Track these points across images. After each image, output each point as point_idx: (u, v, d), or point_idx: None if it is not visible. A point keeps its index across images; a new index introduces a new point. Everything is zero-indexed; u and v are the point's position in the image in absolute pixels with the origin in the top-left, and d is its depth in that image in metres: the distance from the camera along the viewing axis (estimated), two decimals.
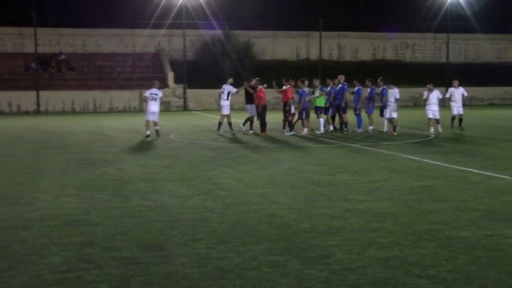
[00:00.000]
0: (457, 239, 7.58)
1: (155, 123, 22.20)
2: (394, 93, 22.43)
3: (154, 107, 22.06)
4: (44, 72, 46.01)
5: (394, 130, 22.15)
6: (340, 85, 23.66)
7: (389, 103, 22.52)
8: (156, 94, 22.16)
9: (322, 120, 23.43)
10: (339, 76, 24.11)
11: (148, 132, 21.86)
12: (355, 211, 9.21)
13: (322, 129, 23.29)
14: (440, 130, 23.03)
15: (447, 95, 25.38)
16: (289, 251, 7.09)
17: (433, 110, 23.05)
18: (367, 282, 6.02)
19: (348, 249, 7.14)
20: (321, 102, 23.21)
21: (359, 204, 9.76)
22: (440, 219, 8.65)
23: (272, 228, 8.20)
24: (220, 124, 23.08)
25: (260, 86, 22.87)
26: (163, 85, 46.46)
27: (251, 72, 44.08)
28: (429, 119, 23.07)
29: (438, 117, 23.09)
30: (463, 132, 23.80)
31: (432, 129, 22.80)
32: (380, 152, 17.10)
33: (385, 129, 23.32)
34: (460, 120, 24.86)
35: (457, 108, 24.94)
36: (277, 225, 8.36)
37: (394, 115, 22.42)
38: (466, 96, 25.50)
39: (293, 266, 6.54)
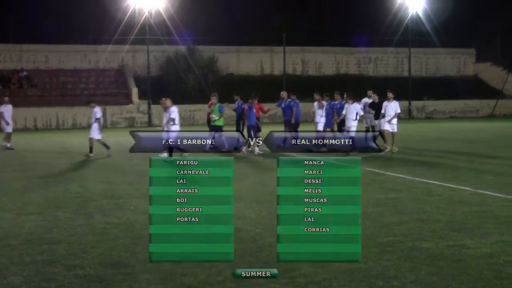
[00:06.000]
0: (420, 250, 7.67)
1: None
2: (356, 108, 21.01)
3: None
4: (5, 89, 45.27)
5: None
6: (286, 101, 23.11)
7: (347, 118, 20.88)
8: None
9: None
10: (281, 92, 23.65)
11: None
12: None
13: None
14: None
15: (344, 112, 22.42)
16: (254, 265, 7.08)
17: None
18: None
19: (312, 263, 7.16)
20: (220, 121, 22.03)
21: None
22: (404, 231, 8.75)
23: (237, 243, 8.13)
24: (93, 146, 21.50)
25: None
26: (127, 101, 46.25)
27: (216, 87, 44.19)
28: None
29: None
30: (424, 145, 24.15)
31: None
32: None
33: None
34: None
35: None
36: (242, 240, 8.35)
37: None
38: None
39: (257, 280, 6.53)
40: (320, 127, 22.37)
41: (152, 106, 45.40)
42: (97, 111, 21.25)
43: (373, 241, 8.16)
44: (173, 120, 19.23)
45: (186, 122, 44.89)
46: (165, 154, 19.44)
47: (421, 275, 6.64)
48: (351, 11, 62.22)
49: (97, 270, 7.00)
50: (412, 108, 51.23)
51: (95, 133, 20.97)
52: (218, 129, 22.09)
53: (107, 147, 21.11)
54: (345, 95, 21.71)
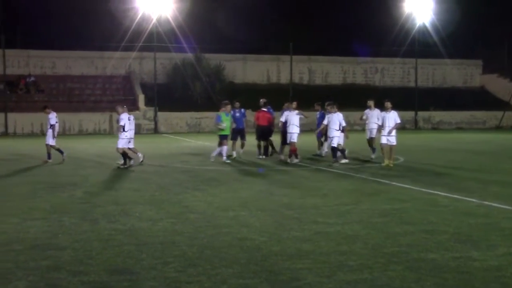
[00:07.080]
0: (426, 262, 7.63)
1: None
2: (339, 118, 20.11)
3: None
4: (13, 94, 45.50)
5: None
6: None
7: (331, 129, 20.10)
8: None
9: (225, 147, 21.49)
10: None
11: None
12: (325, 234, 9.22)
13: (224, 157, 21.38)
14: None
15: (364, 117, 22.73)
16: (259, 274, 7.07)
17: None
18: None
19: (317, 272, 7.14)
20: (225, 130, 21.55)
21: (329, 227, 9.79)
22: (409, 242, 8.71)
23: (242, 251, 8.17)
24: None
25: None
26: (133, 107, 46.37)
27: (222, 95, 44.28)
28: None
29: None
30: (430, 156, 24.11)
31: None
32: (350, 175, 17.21)
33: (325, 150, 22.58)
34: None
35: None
36: (247, 249, 8.34)
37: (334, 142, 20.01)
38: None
39: None
40: (294, 138, 20.93)
41: (159, 113, 45.52)
42: (52, 117, 21.42)
43: (379, 252, 8.13)
44: (123, 127, 19.47)
45: (193, 129, 45.00)
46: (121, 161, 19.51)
47: (426, 287, 6.61)
48: (357, 21, 62.31)
49: (102, 277, 6.99)
50: (418, 118, 51.25)
51: (50, 139, 21.19)
52: (226, 137, 21.98)
53: (61, 152, 21.49)
54: (326, 105, 20.86)
